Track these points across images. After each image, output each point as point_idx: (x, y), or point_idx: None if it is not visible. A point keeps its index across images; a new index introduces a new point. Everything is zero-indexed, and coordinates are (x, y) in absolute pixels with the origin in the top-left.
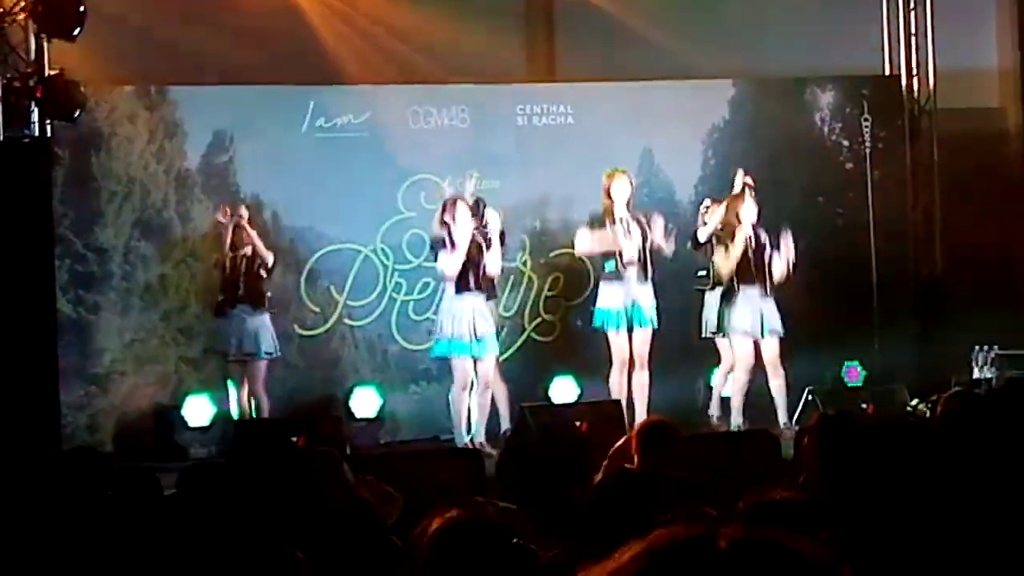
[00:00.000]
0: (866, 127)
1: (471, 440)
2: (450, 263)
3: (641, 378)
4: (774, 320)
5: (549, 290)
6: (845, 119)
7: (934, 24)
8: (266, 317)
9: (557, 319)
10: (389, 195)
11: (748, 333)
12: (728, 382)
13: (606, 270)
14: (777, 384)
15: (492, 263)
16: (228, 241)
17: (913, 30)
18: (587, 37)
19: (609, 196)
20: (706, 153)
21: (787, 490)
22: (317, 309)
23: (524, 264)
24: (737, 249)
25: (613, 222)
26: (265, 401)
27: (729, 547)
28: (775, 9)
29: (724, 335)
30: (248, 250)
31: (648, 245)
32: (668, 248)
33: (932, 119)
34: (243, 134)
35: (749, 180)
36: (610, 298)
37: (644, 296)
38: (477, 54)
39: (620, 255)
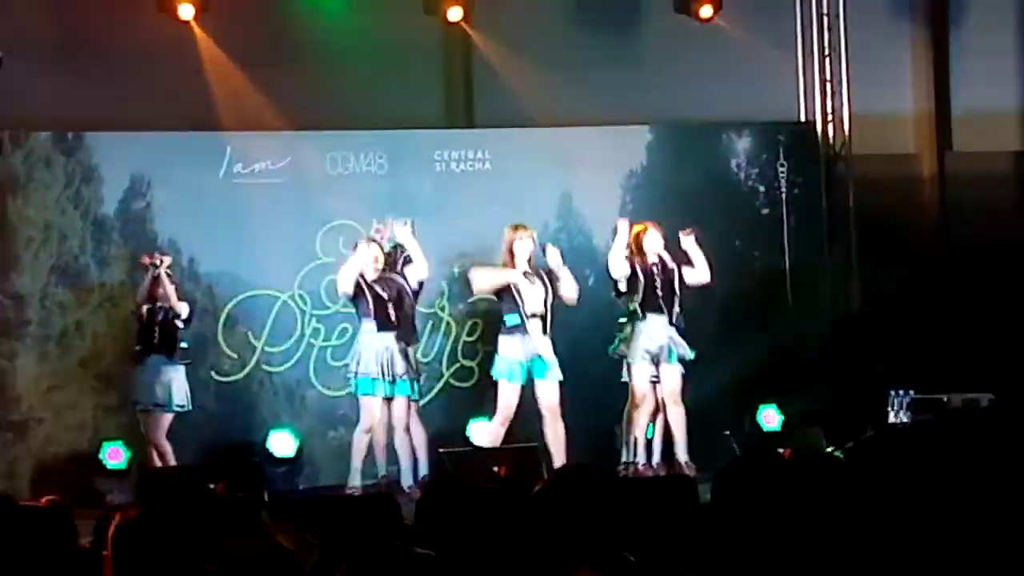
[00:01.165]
0: (782, 173)
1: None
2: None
3: (556, 430)
4: (681, 347)
5: (468, 336)
6: (761, 165)
7: (849, 70)
8: (181, 369)
9: (476, 364)
10: (307, 241)
11: (651, 357)
12: (650, 427)
13: (507, 324)
14: (676, 417)
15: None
16: (146, 290)
17: (828, 76)
18: (505, 83)
19: (511, 252)
20: (624, 198)
21: (704, 536)
22: (235, 355)
23: (442, 309)
24: (640, 280)
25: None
26: (169, 452)
27: None
28: (692, 55)
29: (633, 363)
30: (164, 303)
31: (550, 300)
32: (571, 294)
33: (848, 165)
34: (160, 180)
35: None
36: (511, 349)
37: (546, 349)
38: (395, 100)
39: (523, 308)
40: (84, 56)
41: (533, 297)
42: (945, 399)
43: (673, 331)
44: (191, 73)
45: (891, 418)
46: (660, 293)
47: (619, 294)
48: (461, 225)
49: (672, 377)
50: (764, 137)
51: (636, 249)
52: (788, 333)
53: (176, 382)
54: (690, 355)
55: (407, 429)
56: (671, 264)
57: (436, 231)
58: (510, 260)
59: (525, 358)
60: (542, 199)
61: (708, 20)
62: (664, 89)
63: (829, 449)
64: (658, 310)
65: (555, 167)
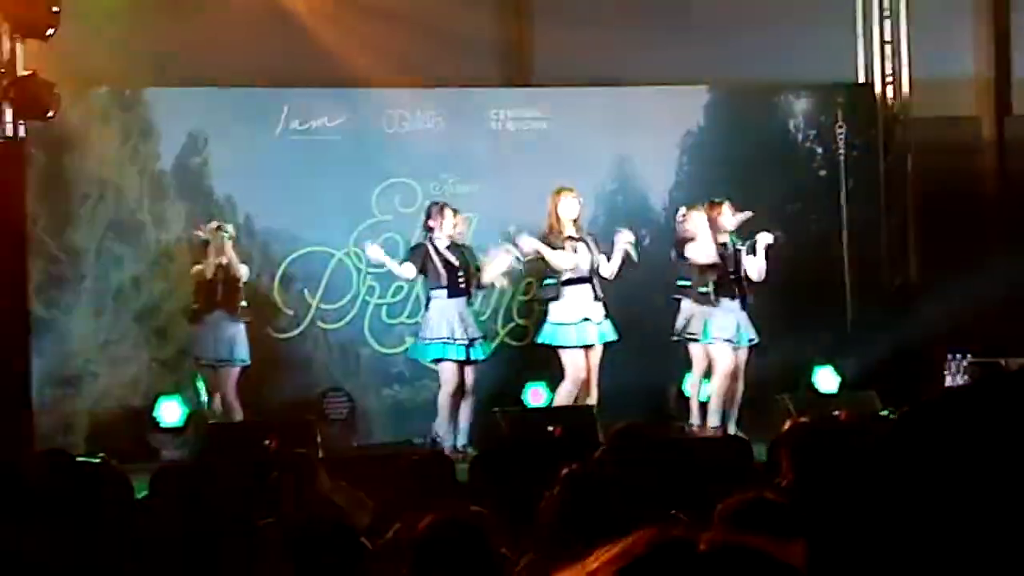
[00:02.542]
0: (840, 135)
1: (456, 445)
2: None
3: (590, 394)
4: (750, 330)
5: (523, 294)
6: (820, 126)
7: (910, 32)
8: (241, 326)
9: (531, 324)
10: (363, 198)
11: (730, 341)
12: (704, 387)
13: (545, 285)
14: (737, 392)
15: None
16: (212, 253)
17: (888, 38)
18: (562, 42)
19: (557, 216)
20: (680, 159)
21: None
22: (290, 312)
23: None
24: (711, 258)
25: (559, 241)
26: (238, 407)
27: (708, 551)
28: (750, 15)
29: (702, 342)
30: (225, 260)
31: (595, 263)
32: (609, 270)
33: (906, 127)
34: (217, 136)
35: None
36: (561, 314)
37: (595, 313)
38: (452, 58)
39: (559, 274)
40: (142, 11)
41: (577, 261)
42: (1003, 363)
43: (743, 314)
44: (249, 29)
45: (948, 381)
46: (731, 277)
47: (681, 256)
48: (516, 184)
49: (741, 356)
50: (822, 98)
51: (713, 223)
52: (844, 295)
53: (239, 337)
54: (756, 339)
55: (472, 391)
56: (741, 249)
57: (491, 190)
58: (556, 223)
59: (575, 320)
60: (598, 159)
61: None
62: (722, 50)
63: (884, 412)
64: (729, 294)
65: (612, 127)
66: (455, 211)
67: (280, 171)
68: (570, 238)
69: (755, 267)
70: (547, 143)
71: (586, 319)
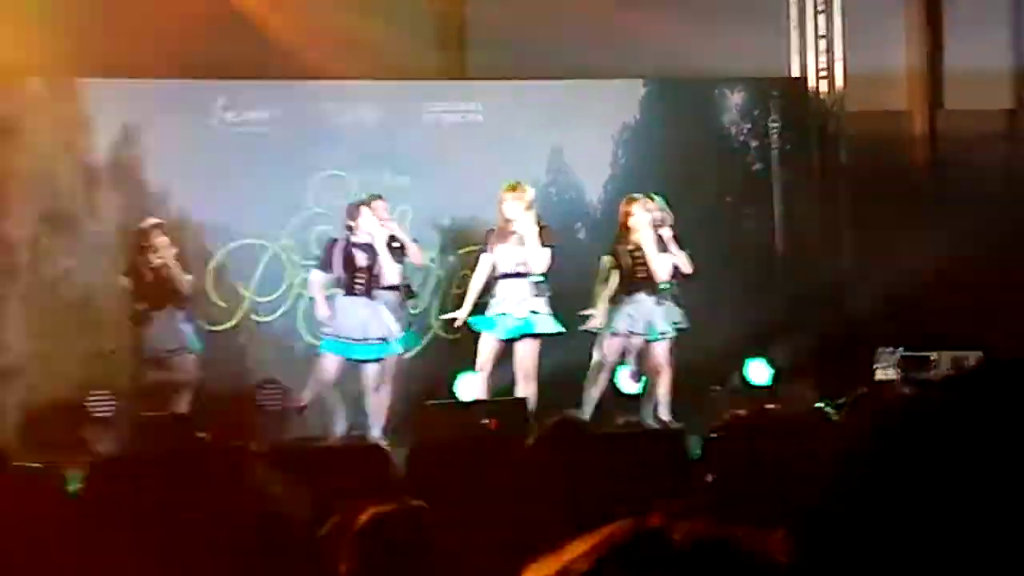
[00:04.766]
0: (774, 129)
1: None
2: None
3: (528, 391)
4: (664, 323)
5: (457, 288)
6: (753, 120)
7: (843, 27)
8: (189, 323)
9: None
10: (297, 191)
11: (637, 334)
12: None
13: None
14: (665, 382)
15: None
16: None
17: (822, 32)
18: (498, 36)
19: (503, 212)
20: (616, 152)
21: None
22: (224, 304)
23: (432, 261)
24: (628, 256)
25: (508, 235)
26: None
27: (685, 541)
28: (686, 9)
29: (610, 335)
30: (172, 260)
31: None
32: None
33: (840, 122)
34: (152, 128)
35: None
36: (503, 304)
37: (539, 305)
38: (387, 51)
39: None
40: (77, 2)
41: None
42: (934, 356)
43: (658, 307)
44: (183, 20)
45: (879, 374)
46: (643, 274)
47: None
48: (451, 177)
49: (661, 350)
50: (756, 93)
51: (624, 227)
52: (778, 288)
53: (187, 330)
54: (672, 332)
55: (377, 389)
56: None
57: (426, 183)
58: (506, 219)
59: (514, 311)
60: (533, 152)
61: None
62: (657, 43)
63: (819, 404)
64: (640, 288)
65: (547, 121)
66: (371, 205)
67: (214, 163)
68: (517, 231)
69: (665, 264)
70: (483, 136)
71: (533, 311)
